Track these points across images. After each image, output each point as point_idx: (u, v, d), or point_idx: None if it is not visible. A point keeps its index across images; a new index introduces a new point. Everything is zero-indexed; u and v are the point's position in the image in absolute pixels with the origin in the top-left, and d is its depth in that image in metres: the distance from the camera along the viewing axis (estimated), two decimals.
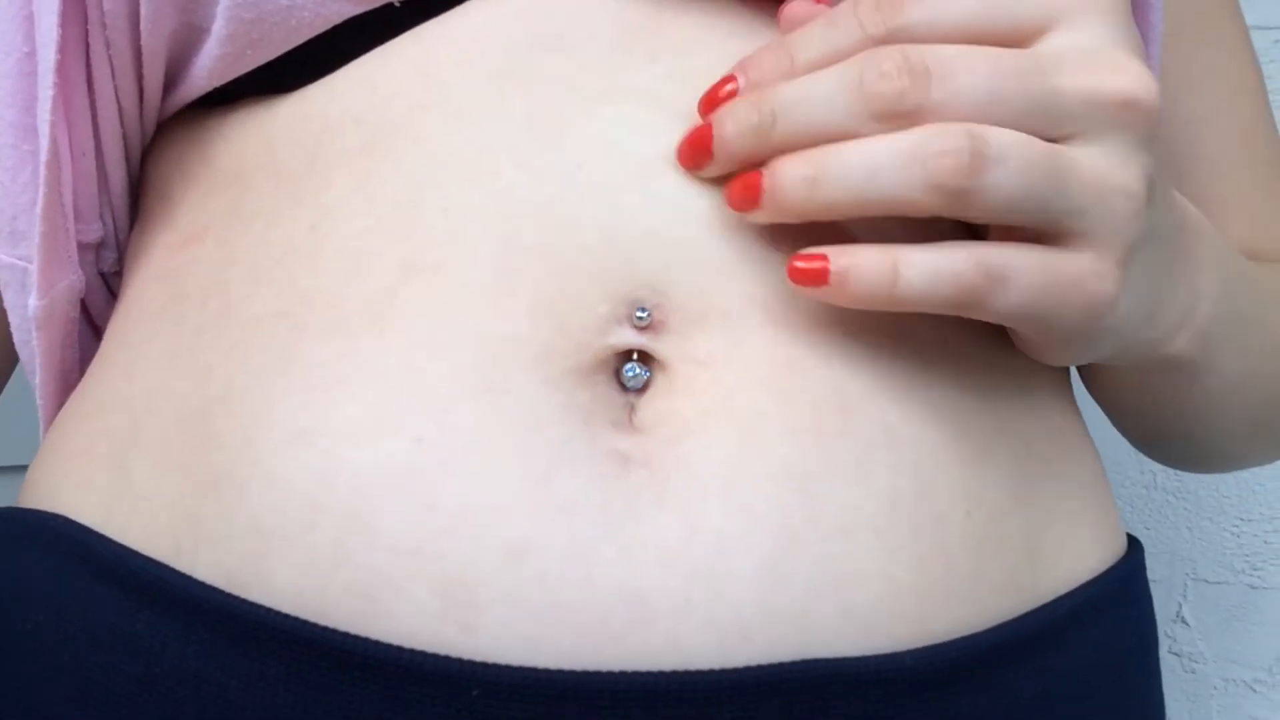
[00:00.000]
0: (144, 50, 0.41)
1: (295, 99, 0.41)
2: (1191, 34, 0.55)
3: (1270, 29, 0.81)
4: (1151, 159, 0.36)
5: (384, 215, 0.37)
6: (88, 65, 0.42)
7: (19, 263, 0.43)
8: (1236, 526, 0.85)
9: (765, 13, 0.41)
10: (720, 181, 0.37)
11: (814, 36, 0.36)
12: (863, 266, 0.34)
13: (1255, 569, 0.85)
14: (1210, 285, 0.42)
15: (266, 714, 0.33)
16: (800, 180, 0.34)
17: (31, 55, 0.41)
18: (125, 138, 0.44)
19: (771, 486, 0.34)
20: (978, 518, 0.37)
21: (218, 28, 0.40)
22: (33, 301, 0.42)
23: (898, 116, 0.33)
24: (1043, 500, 0.40)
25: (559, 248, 0.36)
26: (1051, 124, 0.34)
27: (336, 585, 0.33)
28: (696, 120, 0.38)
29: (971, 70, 0.34)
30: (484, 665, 0.32)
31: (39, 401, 0.45)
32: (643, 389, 0.36)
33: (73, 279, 0.44)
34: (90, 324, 0.47)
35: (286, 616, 0.33)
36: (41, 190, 0.41)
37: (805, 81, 0.35)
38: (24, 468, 0.43)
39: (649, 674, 0.32)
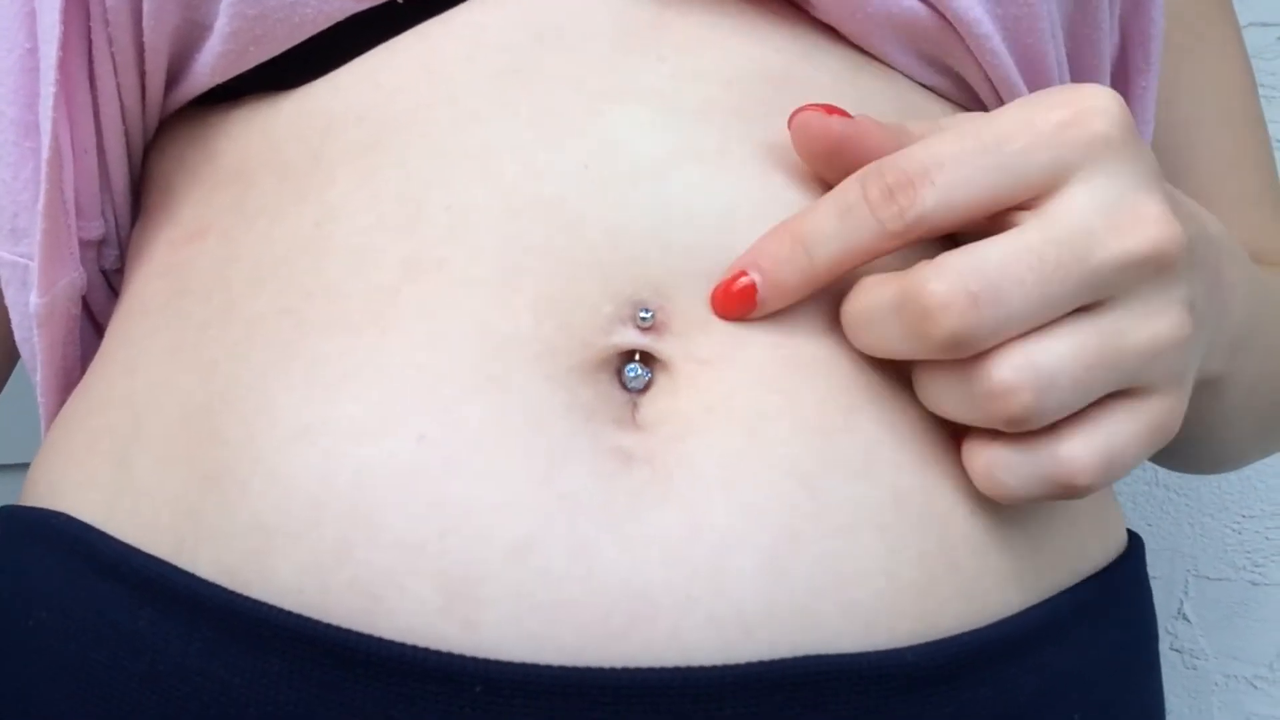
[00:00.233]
0: (146, 47, 0.41)
1: (299, 95, 0.41)
2: (1186, 36, 0.55)
3: (1272, 25, 0.80)
4: (1186, 277, 0.36)
5: (388, 212, 0.37)
6: (90, 62, 0.42)
7: (20, 260, 0.43)
8: (1238, 523, 0.85)
9: (768, 12, 0.41)
10: (726, 180, 0.37)
11: (828, 230, 0.35)
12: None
13: (1257, 565, 0.85)
14: (1236, 298, 0.43)
15: (269, 711, 0.33)
16: None
17: (33, 52, 0.41)
18: (127, 134, 0.44)
19: (774, 484, 0.34)
20: (981, 516, 0.37)
21: (220, 24, 0.40)
22: (34, 299, 0.42)
23: (955, 350, 0.34)
24: None
25: (563, 246, 0.36)
26: (1093, 297, 0.34)
27: (339, 582, 0.33)
28: (701, 119, 0.38)
29: (1021, 283, 0.33)
30: (487, 662, 0.32)
31: (40, 399, 0.45)
32: (644, 389, 0.36)
33: (74, 276, 0.44)
34: (92, 321, 0.47)
35: (289, 614, 0.33)
36: (43, 187, 0.41)
37: (854, 317, 0.36)
38: (25, 466, 0.43)
39: (651, 670, 0.32)
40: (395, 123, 0.39)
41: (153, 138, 0.45)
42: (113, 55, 0.42)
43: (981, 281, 0.33)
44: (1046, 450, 0.35)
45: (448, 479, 0.33)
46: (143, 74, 0.42)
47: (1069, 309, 0.34)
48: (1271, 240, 0.56)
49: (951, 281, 0.33)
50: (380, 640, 0.32)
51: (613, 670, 0.32)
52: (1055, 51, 0.44)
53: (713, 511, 0.33)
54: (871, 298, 0.35)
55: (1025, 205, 0.35)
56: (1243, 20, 0.60)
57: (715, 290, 0.36)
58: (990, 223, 0.35)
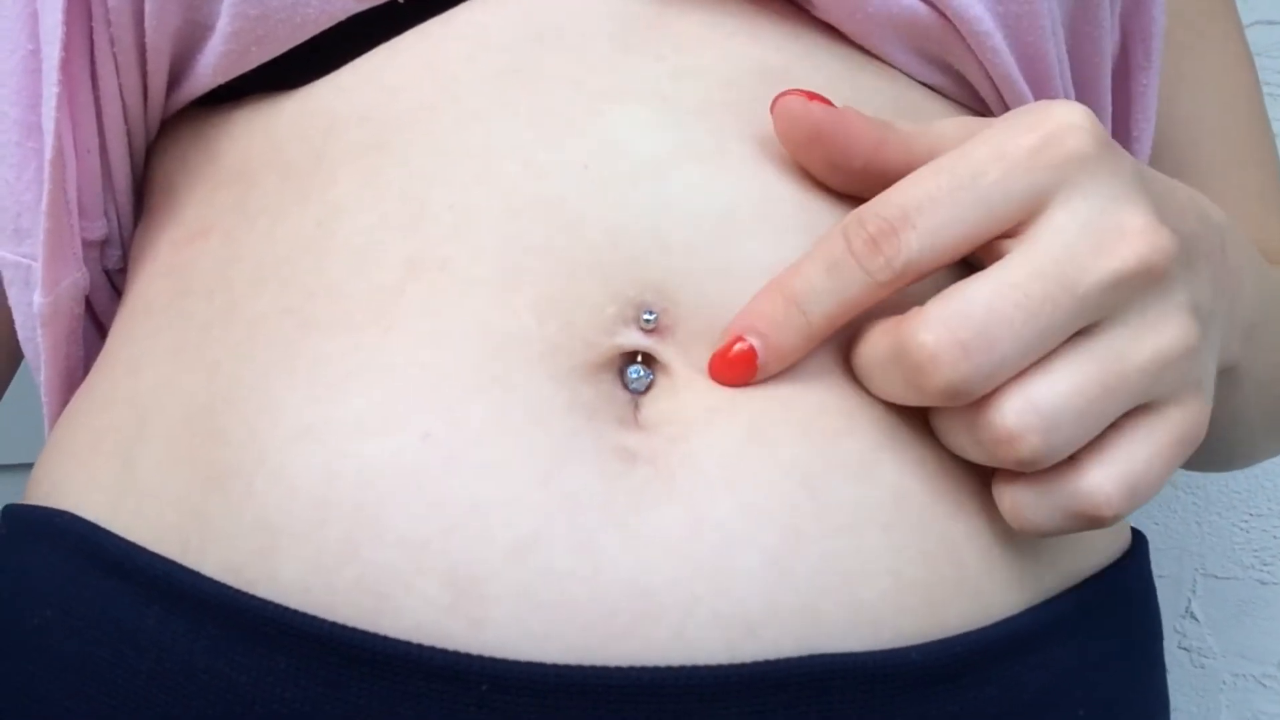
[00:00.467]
0: (148, 47, 0.41)
1: (301, 95, 0.41)
2: (1187, 33, 0.55)
3: (1276, 24, 0.80)
4: (1185, 281, 0.35)
5: (390, 212, 0.37)
6: (92, 63, 0.42)
7: (23, 260, 0.43)
8: (1246, 522, 0.85)
9: (767, 11, 0.41)
10: (726, 180, 0.37)
11: (818, 287, 0.35)
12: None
13: (1265, 564, 0.85)
14: (1246, 283, 0.42)
15: (275, 709, 0.33)
16: None
17: (36, 53, 0.41)
18: (130, 135, 0.44)
19: (777, 484, 0.34)
20: (985, 516, 0.37)
21: (222, 25, 0.40)
22: (38, 299, 0.43)
23: (954, 399, 0.33)
24: None
25: (563, 246, 0.36)
26: (1087, 321, 0.34)
27: (345, 581, 0.33)
28: (700, 118, 0.38)
29: (1010, 324, 0.33)
30: (493, 661, 0.32)
31: (44, 399, 0.45)
32: (645, 390, 0.36)
33: (77, 276, 0.44)
34: (95, 321, 0.47)
35: (295, 612, 0.33)
36: (46, 188, 0.41)
37: (861, 369, 0.36)
38: (28, 466, 0.43)
39: (656, 669, 0.32)
40: (398, 122, 0.39)
41: (155, 138, 0.45)
42: (115, 56, 0.42)
43: (970, 329, 0.33)
44: (1068, 486, 0.34)
45: (451, 477, 0.33)
46: (145, 74, 0.43)
47: (1064, 338, 0.34)
48: (1275, 238, 0.56)
49: (939, 333, 0.33)
50: (386, 639, 0.32)
51: (618, 669, 0.32)
52: (1056, 49, 0.44)
53: (716, 510, 0.33)
54: (872, 350, 0.35)
55: (1010, 233, 0.34)
56: (1247, 19, 0.60)
57: (713, 358, 0.36)
58: (978, 252, 0.35)
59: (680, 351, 0.36)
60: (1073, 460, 0.34)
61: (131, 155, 0.44)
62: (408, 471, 0.33)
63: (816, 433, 0.35)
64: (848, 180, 0.38)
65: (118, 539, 0.36)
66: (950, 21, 0.41)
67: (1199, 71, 0.55)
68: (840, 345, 0.37)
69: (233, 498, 0.35)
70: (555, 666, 0.32)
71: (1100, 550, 0.42)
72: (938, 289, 0.34)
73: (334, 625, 0.33)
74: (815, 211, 0.38)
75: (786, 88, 0.38)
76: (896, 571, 0.34)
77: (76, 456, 0.39)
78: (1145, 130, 0.50)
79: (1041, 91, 0.44)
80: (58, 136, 0.41)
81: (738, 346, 0.35)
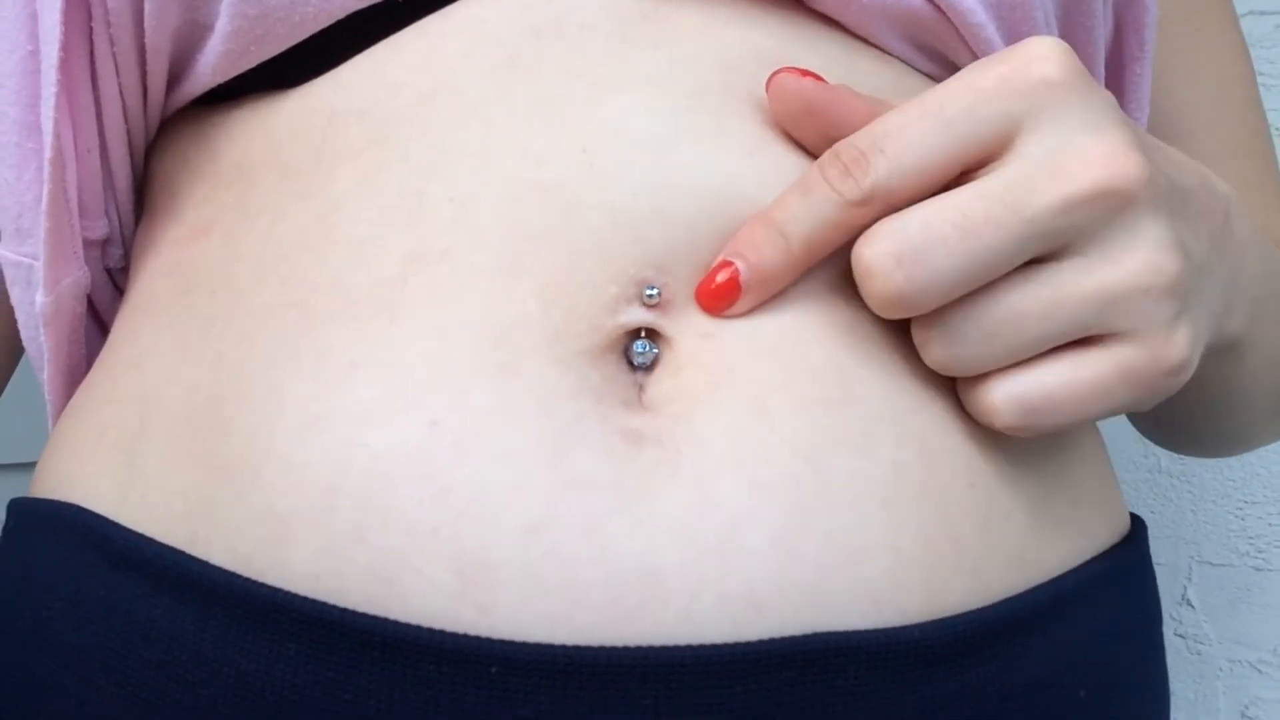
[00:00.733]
0: (148, 47, 0.42)
1: (300, 94, 0.41)
2: (1183, 22, 0.55)
3: (1270, 14, 0.81)
4: (1164, 218, 0.35)
5: (390, 205, 0.37)
6: (91, 63, 0.42)
7: (25, 259, 0.43)
8: (1241, 509, 0.85)
9: (763, 1, 0.42)
10: (724, 157, 0.37)
11: (795, 210, 0.36)
12: None
13: (1260, 551, 0.85)
14: (1253, 256, 0.43)
15: (285, 695, 0.33)
16: None
17: (35, 53, 0.41)
18: (129, 134, 0.44)
19: (781, 460, 0.34)
20: (982, 491, 0.37)
21: (221, 24, 0.40)
22: (40, 298, 0.43)
23: (897, 311, 0.35)
24: (1046, 475, 0.40)
25: (563, 231, 0.36)
26: (1043, 249, 0.35)
27: (354, 568, 0.33)
28: (697, 101, 0.38)
29: (943, 242, 0.34)
30: (502, 643, 0.32)
31: (47, 397, 0.45)
32: (650, 366, 0.36)
33: (79, 275, 0.44)
34: (97, 320, 0.47)
35: (304, 599, 0.33)
36: (46, 187, 0.41)
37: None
38: (30, 465, 0.43)
39: (664, 649, 0.32)
40: (397, 117, 0.39)
41: (155, 137, 0.45)
42: (114, 56, 0.42)
43: (903, 244, 0.34)
44: (973, 389, 0.36)
45: (459, 464, 0.33)
46: (144, 74, 0.43)
47: (1016, 263, 0.34)
48: (1273, 228, 0.56)
49: (878, 247, 0.34)
50: (395, 623, 0.32)
51: (626, 649, 0.32)
52: None
53: (722, 490, 0.34)
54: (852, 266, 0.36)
55: (987, 164, 0.35)
56: (1241, 8, 0.60)
57: (699, 285, 0.37)
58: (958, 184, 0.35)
59: (682, 322, 0.36)
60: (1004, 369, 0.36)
61: (132, 154, 0.45)
62: (415, 459, 0.33)
63: (817, 403, 0.35)
64: None
65: (125, 530, 0.36)
66: (943, 12, 0.42)
67: (1194, 61, 0.55)
68: (835, 304, 0.37)
69: (240, 487, 0.35)
70: (564, 648, 0.32)
71: (1100, 532, 0.42)
72: None
73: (343, 611, 0.33)
74: None
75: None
76: (899, 548, 0.35)
77: (81, 450, 0.40)
78: (1140, 120, 0.51)
79: None
80: (57, 136, 0.41)
81: (722, 273, 0.36)
